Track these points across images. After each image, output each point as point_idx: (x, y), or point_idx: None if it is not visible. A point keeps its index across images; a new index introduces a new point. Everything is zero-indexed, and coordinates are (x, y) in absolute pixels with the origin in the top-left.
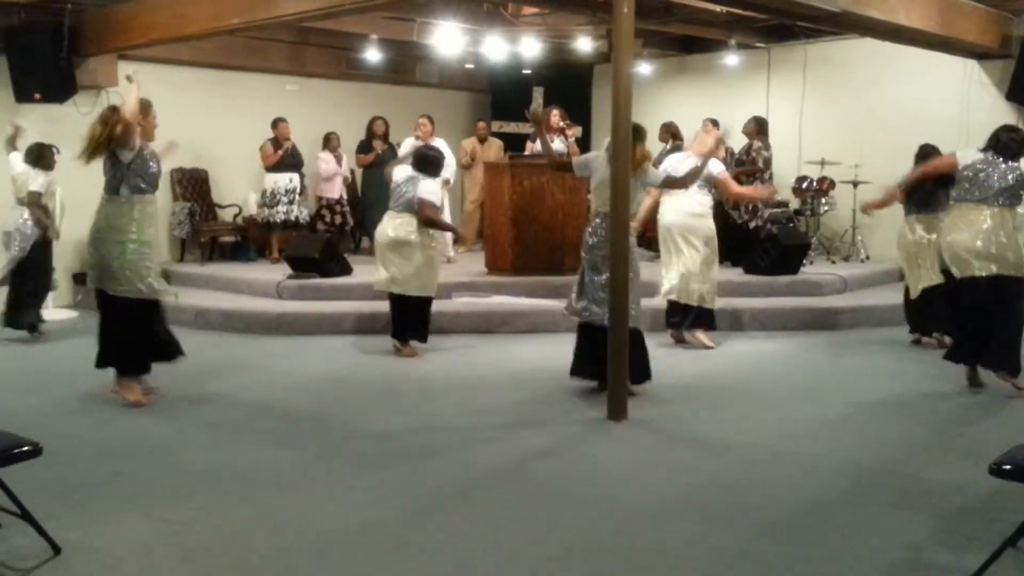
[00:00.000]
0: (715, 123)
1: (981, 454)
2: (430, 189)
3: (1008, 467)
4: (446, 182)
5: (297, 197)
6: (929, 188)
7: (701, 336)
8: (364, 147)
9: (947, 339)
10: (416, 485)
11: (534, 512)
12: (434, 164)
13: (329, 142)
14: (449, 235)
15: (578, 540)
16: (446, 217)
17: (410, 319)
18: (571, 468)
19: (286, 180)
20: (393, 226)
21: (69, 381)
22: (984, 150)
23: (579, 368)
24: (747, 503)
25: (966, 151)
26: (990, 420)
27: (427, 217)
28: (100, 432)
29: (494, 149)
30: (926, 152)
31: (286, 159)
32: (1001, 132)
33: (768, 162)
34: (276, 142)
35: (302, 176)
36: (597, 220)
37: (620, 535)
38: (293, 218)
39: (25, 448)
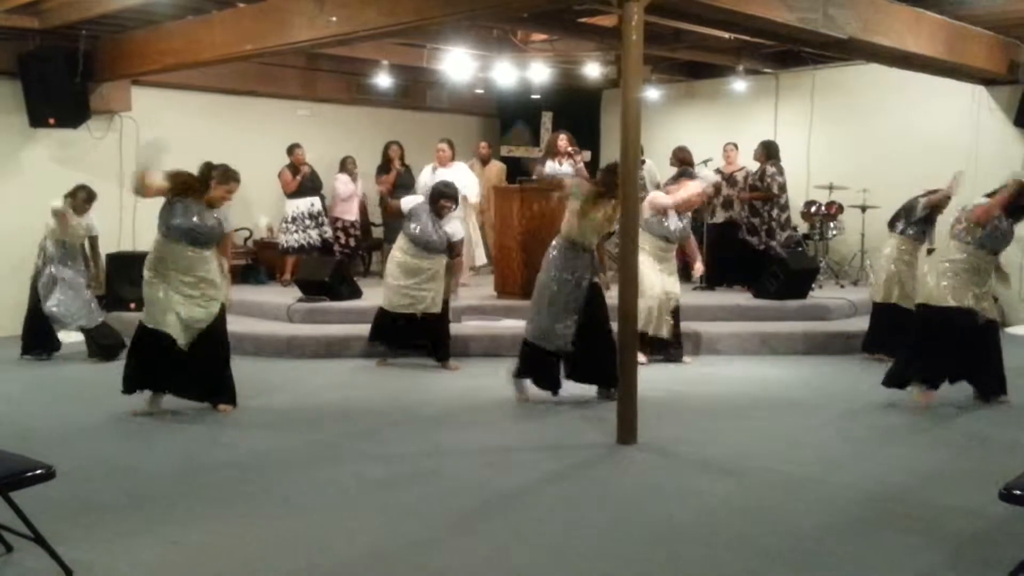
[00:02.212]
0: (736, 146)
1: (993, 478)
2: (407, 200)
3: (1019, 492)
4: (464, 199)
5: (324, 219)
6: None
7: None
8: (383, 170)
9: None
10: (427, 508)
11: (545, 536)
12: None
13: (345, 165)
14: (477, 256)
15: (588, 564)
16: (476, 238)
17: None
18: (581, 492)
19: (308, 204)
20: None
21: (84, 403)
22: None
23: None
24: (758, 528)
25: None
26: (1000, 444)
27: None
28: (113, 454)
29: (496, 171)
30: None
31: (305, 184)
32: None
33: (783, 187)
34: (293, 168)
35: (323, 199)
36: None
37: (631, 560)
38: (319, 241)
39: (38, 471)
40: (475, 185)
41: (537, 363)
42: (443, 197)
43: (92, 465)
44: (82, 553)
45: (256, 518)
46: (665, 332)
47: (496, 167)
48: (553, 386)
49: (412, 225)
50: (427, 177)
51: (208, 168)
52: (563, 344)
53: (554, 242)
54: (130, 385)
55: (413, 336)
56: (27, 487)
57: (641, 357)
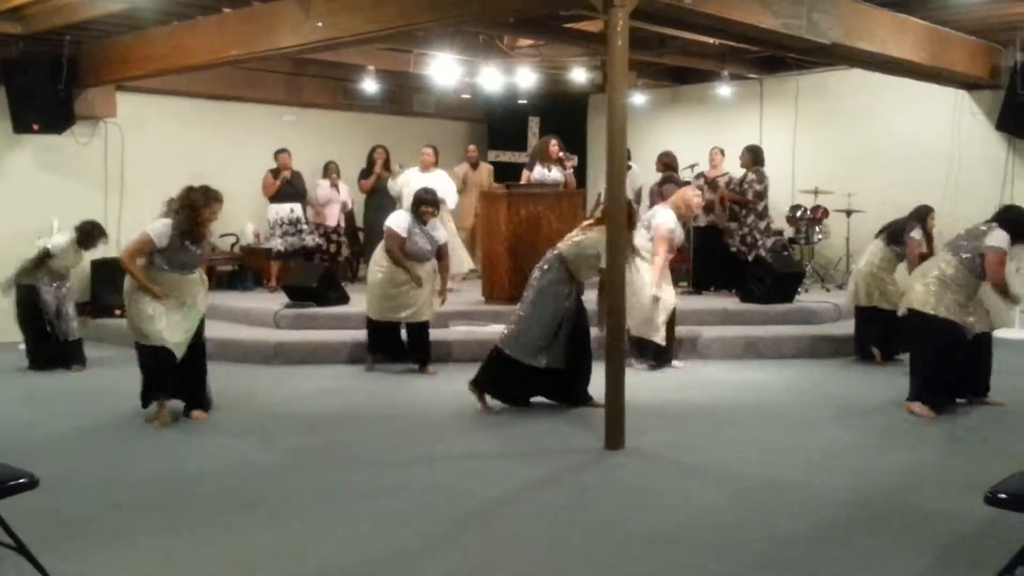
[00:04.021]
0: (722, 152)
1: (979, 481)
2: (397, 220)
3: (1004, 496)
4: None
5: (304, 226)
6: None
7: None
8: (366, 174)
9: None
10: (415, 516)
11: (534, 542)
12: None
13: (327, 171)
14: (461, 261)
15: (577, 569)
16: (456, 243)
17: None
18: (570, 498)
19: (287, 210)
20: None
21: (69, 411)
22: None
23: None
24: (745, 532)
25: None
26: (987, 447)
27: (388, 249)
28: (99, 462)
29: (485, 173)
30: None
31: (285, 188)
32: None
33: (760, 195)
34: (277, 172)
35: (305, 206)
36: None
37: (619, 565)
38: (298, 247)
39: (21, 480)
40: (453, 192)
41: (508, 375)
42: (423, 203)
43: (76, 475)
44: (69, 564)
45: (243, 527)
46: (659, 338)
47: (486, 169)
48: (520, 399)
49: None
50: (410, 176)
51: (190, 194)
52: (552, 361)
53: (550, 256)
54: (147, 399)
55: (402, 344)
56: (10, 496)
57: (637, 363)
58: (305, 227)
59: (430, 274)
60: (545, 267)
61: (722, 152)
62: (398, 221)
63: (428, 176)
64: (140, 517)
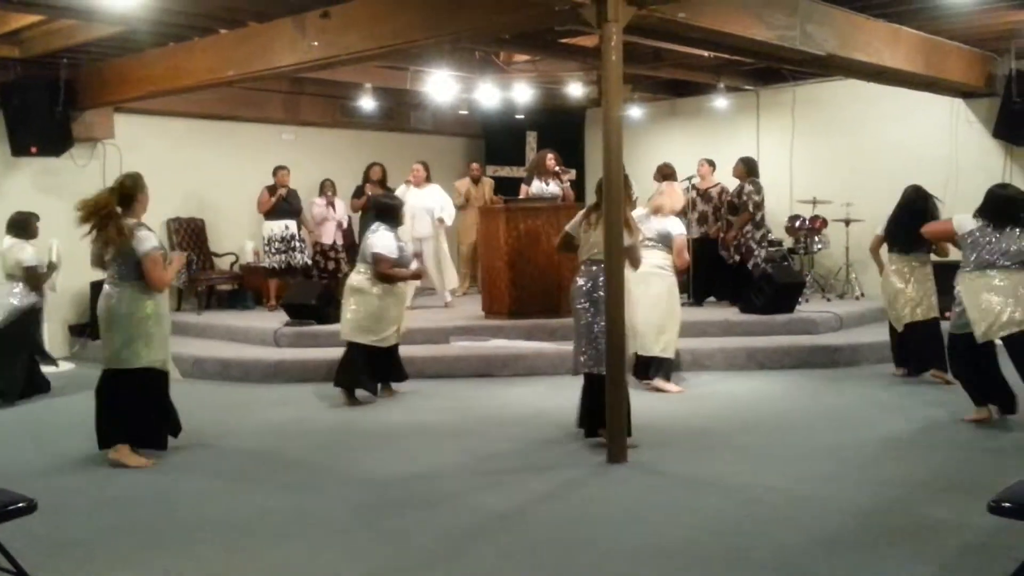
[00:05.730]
0: (710, 163)
1: (981, 490)
2: (384, 243)
3: (1008, 505)
4: (440, 221)
5: (298, 244)
6: (908, 229)
7: (662, 384)
8: (359, 192)
9: (948, 376)
10: (417, 532)
11: (536, 557)
12: (391, 213)
13: (323, 188)
14: (449, 279)
15: None
16: (445, 258)
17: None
18: (572, 512)
19: (281, 227)
20: (354, 275)
21: (66, 434)
22: (980, 214)
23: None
24: (748, 544)
25: (962, 217)
26: (988, 455)
27: (382, 273)
28: (97, 486)
29: (487, 189)
30: (913, 200)
31: (280, 206)
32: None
33: (759, 205)
34: (273, 189)
35: (299, 223)
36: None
37: None
38: (296, 264)
39: (19, 504)
40: (450, 207)
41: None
42: (397, 210)
43: (75, 498)
44: None
45: (244, 545)
46: (657, 350)
47: (488, 184)
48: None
49: (396, 254)
50: (403, 194)
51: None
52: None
53: (577, 276)
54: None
55: (387, 364)
56: (8, 521)
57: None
58: (297, 244)
59: (401, 291)
60: None
61: (710, 163)
62: (386, 244)
63: (420, 192)
64: (138, 539)
